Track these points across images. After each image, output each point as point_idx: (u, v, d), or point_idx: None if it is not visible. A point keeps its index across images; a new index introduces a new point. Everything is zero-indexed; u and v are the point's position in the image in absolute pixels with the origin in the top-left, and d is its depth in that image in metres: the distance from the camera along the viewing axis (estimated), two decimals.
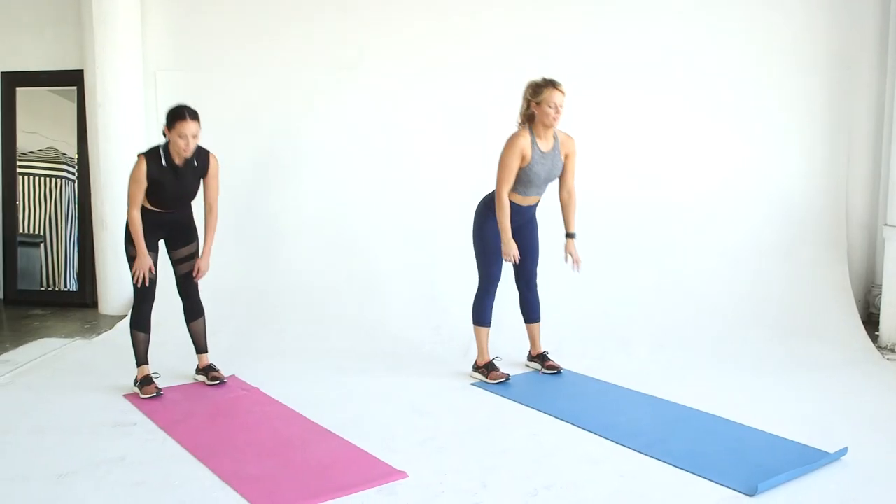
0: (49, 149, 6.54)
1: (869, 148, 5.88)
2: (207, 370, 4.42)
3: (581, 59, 5.93)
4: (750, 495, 2.91)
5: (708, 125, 5.92)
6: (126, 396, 4.14)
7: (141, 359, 4.24)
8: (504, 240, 4.27)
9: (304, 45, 6.17)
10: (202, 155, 4.19)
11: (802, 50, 5.86)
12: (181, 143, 4.00)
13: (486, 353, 4.48)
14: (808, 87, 5.87)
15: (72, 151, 6.45)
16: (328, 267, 5.99)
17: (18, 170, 6.53)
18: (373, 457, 3.31)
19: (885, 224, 5.35)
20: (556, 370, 4.55)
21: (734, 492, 2.95)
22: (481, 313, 4.49)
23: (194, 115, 4.02)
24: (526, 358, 4.74)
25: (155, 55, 6.26)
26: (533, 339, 4.69)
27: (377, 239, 6.04)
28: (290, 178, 6.20)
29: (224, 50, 6.24)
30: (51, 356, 4.94)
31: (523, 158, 4.20)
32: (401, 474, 3.12)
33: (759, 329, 5.32)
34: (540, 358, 4.65)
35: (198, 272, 4.34)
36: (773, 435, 3.53)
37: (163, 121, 4.07)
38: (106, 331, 5.57)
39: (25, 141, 6.56)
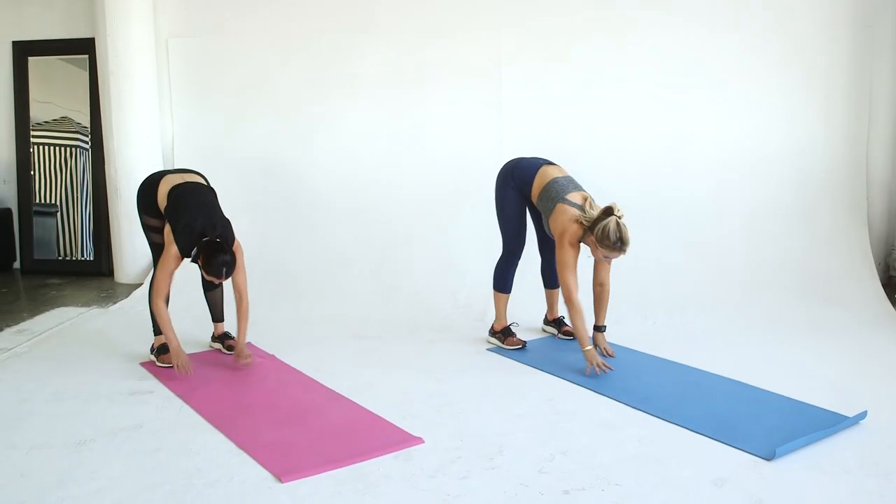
0: (63, 118, 6.53)
1: (890, 109, 5.77)
2: (224, 338, 4.43)
3: (599, 20, 5.85)
4: (768, 459, 2.88)
5: (727, 87, 5.83)
6: (143, 364, 4.16)
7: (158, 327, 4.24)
8: (587, 355, 3.91)
9: (315, 9, 6.12)
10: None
11: (823, 8, 5.74)
12: (212, 280, 3.90)
13: (503, 319, 4.47)
14: (829, 46, 5.76)
15: (85, 120, 6.44)
16: (344, 233, 5.99)
17: (32, 139, 6.53)
18: (389, 423, 3.31)
19: None
20: (572, 336, 4.53)
21: (752, 456, 2.93)
22: (503, 280, 4.45)
23: (229, 275, 3.84)
24: (542, 322, 4.73)
25: (166, 22, 6.23)
26: (551, 304, 4.67)
27: (394, 204, 6.03)
28: (304, 146, 6.18)
29: (236, 15, 6.20)
30: (67, 325, 4.97)
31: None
32: (417, 440, 3.12)
33: (778, 292, 5.27)
34: (556, 323, 4.64)
35: (237, 361, 4.09)
36: (792, 399, 3.50)
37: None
38: (122, 299, 5.60)
39: (39, 110, 6.56)
